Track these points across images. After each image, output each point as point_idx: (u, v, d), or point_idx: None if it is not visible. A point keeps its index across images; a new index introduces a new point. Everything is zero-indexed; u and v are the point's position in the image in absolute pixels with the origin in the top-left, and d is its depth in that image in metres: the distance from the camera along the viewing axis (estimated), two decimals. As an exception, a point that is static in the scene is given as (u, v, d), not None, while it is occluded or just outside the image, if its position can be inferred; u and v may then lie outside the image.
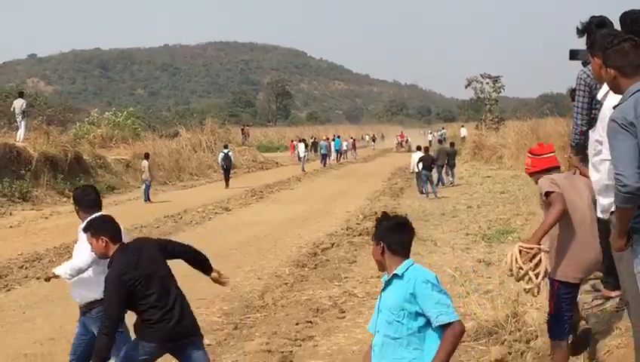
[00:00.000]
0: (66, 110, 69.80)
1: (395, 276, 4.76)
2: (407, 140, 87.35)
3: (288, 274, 14.21)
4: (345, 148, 69.51)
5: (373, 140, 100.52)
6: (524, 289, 6.22)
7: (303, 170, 49.35)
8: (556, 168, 6.39)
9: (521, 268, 5.93)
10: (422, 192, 30.24)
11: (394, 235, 4.87)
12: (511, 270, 6.12)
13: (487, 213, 22.69)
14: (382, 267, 4.94)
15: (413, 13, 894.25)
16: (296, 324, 10.51)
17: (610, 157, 4.96)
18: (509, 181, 33.60)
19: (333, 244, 17.61)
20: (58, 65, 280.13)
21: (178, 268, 15.48)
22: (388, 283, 4.86)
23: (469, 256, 15.80)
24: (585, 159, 7.07)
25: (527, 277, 5.97)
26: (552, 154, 6.31)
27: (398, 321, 4.67)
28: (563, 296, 6.03)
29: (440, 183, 33.76)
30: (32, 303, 12.49)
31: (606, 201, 5.57)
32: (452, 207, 25.32)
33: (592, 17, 6.93)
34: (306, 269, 14.82)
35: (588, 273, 6.25)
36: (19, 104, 33.21)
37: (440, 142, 55.99)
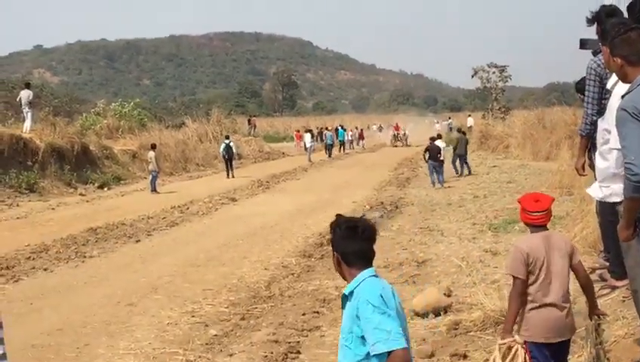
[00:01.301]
0: (73, 101, 69.76)
1: (345, 296, 4.33)
2: (404, 133, 75.57)
3: (295, 264, 14.24)
4: (350, 138, 69.42)
5: (380, 130, 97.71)
6: None
7: (310, 160, 49.32)
8: (541, 226, 6.19)
9: None
10: (440, 183, 30.08)
11: (346, 243, 4.32)
12: None
13: (493, 203, 22.67)
14: (345, 279, 4.42)
15: (419, 2, 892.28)
16: (303, 314, 10.55)
17: (618, 146, 4.95)
18: (516, 170, 33.56)
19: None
20: (64, 56, 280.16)
21: (185, 257, 15.56)
22: (344, 301, 4.37)
23: (476, 245, 15.79)
24: (593, 148, 7.08)
25: None
26: (543, 213, 6.11)
27: (347, 346, 4.21)
28: (538, 357, 5.93)
29: (460, 173, 33.71)
30: (40, 294, 12.53)
31: (612, 189, 5.57)
32: (459, 197, 25.28)
33: (602, 6, 6.92)
34: (313, 259, 14.85)
35: (559, 333, 6.08)
36: (25, 95, 33.23)
37: (451, 130, 55.83)
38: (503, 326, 6.13)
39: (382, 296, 4.07)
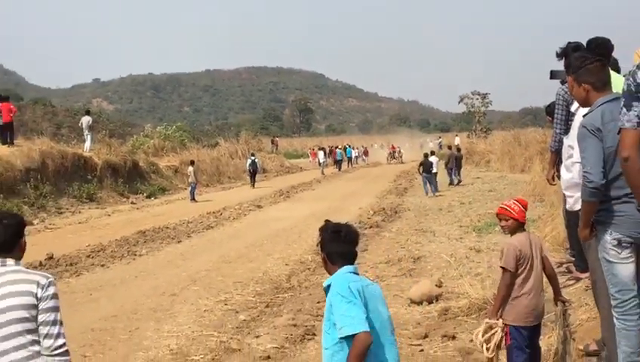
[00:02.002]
0: (125, 125, 70.51)
1: (325, 289, 4.26)
2: (399, 151, 74.46)
3: (311, 260, 14.20)
4: (356, 155, 69.45)
5: (382, 147, 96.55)
6: (486, 358, 6.13)
7: (323, 173, 49.40)
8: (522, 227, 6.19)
9: (482, 343, 5.88)
10: (434, 192, 30.13)
11: (331, 245, 4.31)
12: (480, 347, 6.03)
13: (477, 209, 22.60)
14: (330, 275, 4.31)
15: (415, 42, 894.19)
16: (318, 302, 10.50)
17: (580, 160, 4.96)
18: (496, 181, 33.57)
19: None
20: (118, 88, 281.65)
21: (219, 255, 15.53)
22: (326, 293, 4.26)
23: (462, 244, 15.77)
24: (560, 162, 7.09)
25: (486, 353, 5.92)
26: (519, 214, 6.13)
27: (327, 332, 4.10)
28: (517, 338, 5.90)
29: (452, 183, 33.82)
30: (98, 286, 12.57)
31: (575, 196, 5.57)
32: (448, 204, 25.26)
33: (569, 43, 6.93)
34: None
35: (535, 318, 6.06)
36: (86, 120, 33.41)
37: (440, 147, 55.79)
38: (491, 308, 6.09)
39: (349, 288, 3.99)
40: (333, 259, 4.26)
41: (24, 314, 3.74)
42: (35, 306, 3.77)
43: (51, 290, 3.83)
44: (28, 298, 3.76)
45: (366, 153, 74.46)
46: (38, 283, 3.80)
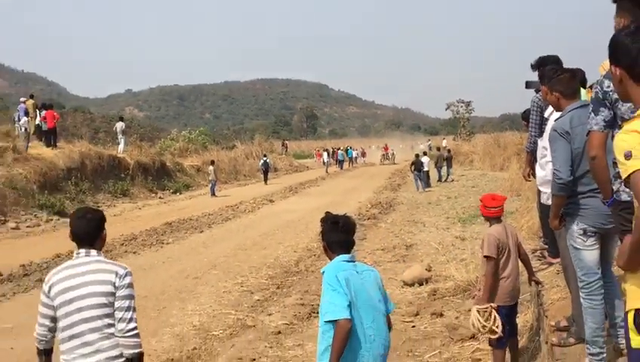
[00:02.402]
0: (153, 130, 70.60)
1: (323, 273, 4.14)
2: (392, 153, 69.76)
3: (316, 248, 14.19)
4: (355, 155, 69.36)
5: (378, 148, 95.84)
6: (489, 339, 6.11)
7: (327, 172, 49.39)
8: (496, 218, 6.19)
9: (484, 326, 5.87)
10: (424, 187, 30.24)
11: (330, 234, 4.19)
12: (479, 330, 6.03)
13: (462, 202, 22.61)
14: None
15: (408, 56, 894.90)
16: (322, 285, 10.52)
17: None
18: (478, 178, 33.56)
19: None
20: (147, 97, 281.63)
21: (236, 243, 15.51)
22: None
23: (449, 233, 15.78)
24: (535, 161, 7.11)
25: (491, 334, 5.92)
26: (498, 208, 6.14)
27: (321, 314, 4.02)
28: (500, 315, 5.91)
29: (441, 179, 33.93)
30: (131, 270, 12.59)
31: (548, 192, 5.59)
32: (436, 198, 25.26)
33: (541, 56, 6.96)
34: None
35: (514, 297, 6.07)
36: (119, 126, 33.47)
37: (430, 149, 55.77)
38: (478, 295, 6.06)
39: (337, 277, 3.91)
40: (333, 247, 4.17)
41: (103, 300, 3.78)
42: (113, 294, 3.80)
43: (127, 280, 3.88)
44: (107, 286, 3.79)
45: (364, 154, 74.13)
46: (116, 273, 3.84)
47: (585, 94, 5.45)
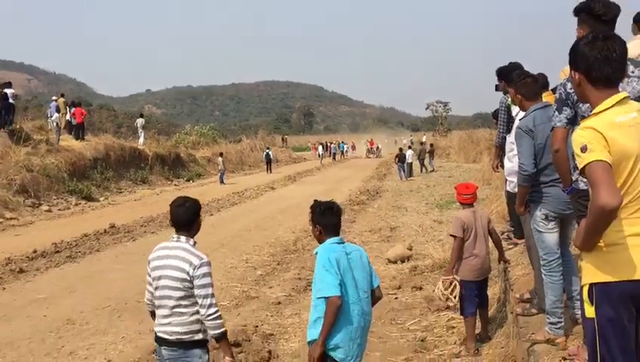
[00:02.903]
0: (169, 125, 70.51)
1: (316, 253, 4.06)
2: (377, 147, 65.69)
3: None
4: (346, 149, 69.20)
5: (366, 144, 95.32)
6: (448, 306, 6.17)
7: (321, 163, 49.38)
8: (469, 204, 6.21)
9: (444, 294, 5.92)
10: (407, 177, 30.26)
11: (325, 218, 4.10)
12: (439, 298, 6.13)
13: (439, 190, 22.67)
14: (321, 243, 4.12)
15: (393, 62, 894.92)
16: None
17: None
18: (454, 169, 33.67)
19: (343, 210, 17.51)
20: (164, 96, 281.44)
21: (241, 225, 15.48)
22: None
23: (428, 217, 15.83)
24: (503, 154, 7.13)
25: (449, 302, 5.97)
26: (471, 195, 6.16)
27: (314, 290, 4.00)
28: (468, 290, 5.94)
29: (424, 170, 33.97)
30: (149, 248, 12.50)
31: (515, 181, 5.62)
32: (417, 186, 25.32)
33: (510, 63, 6.99)
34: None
35: (482, 274, 6.11)
36: (140, 122, 33.52)
37: (412, 143, 55.75)
38: (446, 267, 6.14)
39: (329, 258, 3.87)
40: (326, 229, 4.09)
41: (177, 284, 3.81)
42: (186, 280, 3.79)
43: (202, 270, 3.82)
44: (181, 273, 3.80)
45: (354, 148, 74.07)
46: (190, 263, 3.82)
47: (545, 96, 5.48)
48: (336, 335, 3.87)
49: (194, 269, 3.79)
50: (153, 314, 4.05)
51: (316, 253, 4.02)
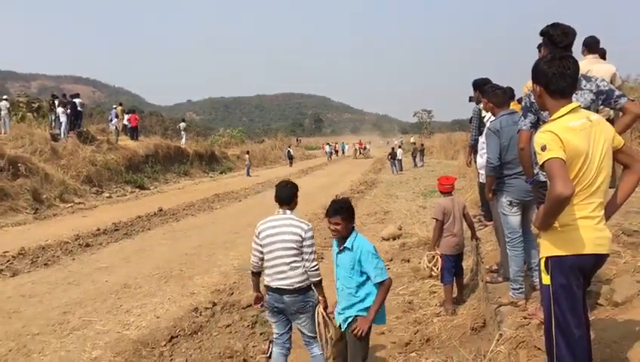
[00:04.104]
0: (206, 129, 70.45)
1: (346, 248, 3.75)
2: (365, 147, 55.54)
3: (321, 213, 14.19)
4: (347, 149, 69.06)
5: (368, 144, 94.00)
6: (431, 275, 6.17)
7: (329, 159, 49.29)
8: (448, 193, 6.18)
9: (428, 266, 5.92)
10: (398, 171, 30.27)
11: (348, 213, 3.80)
12: (424, 268, 6.14)
13: (424, 182, 22.58)
14: (343, 237, 3.79)
15: (387, 77, 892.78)
16: (325, 239, 10.54)
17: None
18: (436, 166, 33.46)
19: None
20: (202, 106, 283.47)
21: (265, 209, 15.50)
22: (342, 250, 3.80)
23: (414, 203, 15.76)
24: (475, 152, 7.10)
25: (432, 272, 5.96)
26: (450, 185, 6.13)
27: (350, 277, 3.72)
28: (447, 262, 5.93)
29: (415, 166, 33.91)
30: (189, 228, 12.63)
31: (484, 175, 5.62)
32: (406, 179, 25.22)
33: (480, 78, 6.96)
34: (330, 210, 14.78)
35: (458, 250, 6.09)
36: (182, 125, 33.83)
37: (402, 143, 55.61)
38: (429, 244, 6.13)
39: (374, 248, 3.77)
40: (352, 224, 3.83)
41: (292, 245, 3.99)
42: (299, 241, 3.99)
43: (309, 234, 4.02)
44: (296, 236, 3.99)
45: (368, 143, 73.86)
46: (302, 228, 4.02)
47: (512, 105, 5.46)
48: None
49: (304, 232, 4.00)
50: (257, 274, 4.21)
51: (351, 247, 3.73)
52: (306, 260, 3.99)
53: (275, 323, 4.20)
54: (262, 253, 4.09)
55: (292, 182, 4.31)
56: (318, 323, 4.01)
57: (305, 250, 3.99)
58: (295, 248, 3.99)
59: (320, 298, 4.06)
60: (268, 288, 4.10)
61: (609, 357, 3.16)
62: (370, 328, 3.75)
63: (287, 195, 4.17)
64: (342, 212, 3.76)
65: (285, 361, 4.27)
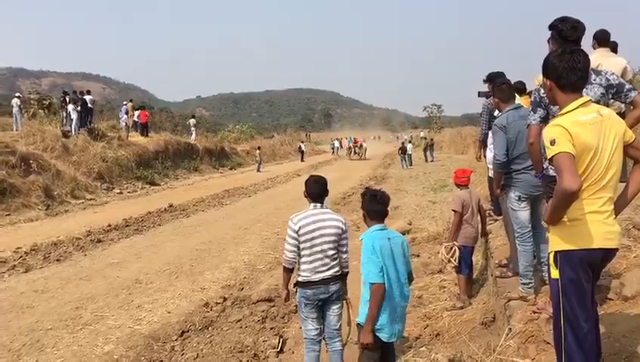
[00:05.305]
0: (216, 125, 70.69)
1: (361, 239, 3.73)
2: (360, 145, 44.00)
3: (332, 208, 14.22)
4: (337, 146, 68.37)
5: (375, 139, 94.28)
6: (450, 267, 6.15)
7: (337, 155, 49.22)
8: (465, 186, 6.15)
9: (446, 257, 5.91)
10: (408, 166, 30.23)
11: (370, 205, 3.78)
12: (442, 261, 6.10)
13: (434, 176, 22.51)
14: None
15: (397, 70, 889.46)
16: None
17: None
18: (446, 160, 33.28)
19: (353, 193, 17.51)
20: (212, 101, 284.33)
21: (274, 205, 15.45)
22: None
23: (424, 198, 15.71)
24: (485, 147, 7.09)
25: (450, 264, 5.94)
26: (466, 178, 6.13)
27: (362, 271, 3.64)
28: (465, 253, 5.91)
29: (427, 161, 33.93)
30: (200, 223, 12.68)
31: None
32: (416, 173, 25.16)
33: (491, 73, 6.92)
34: (340, 205, 14.80)
35: (475, 241, 6.08)
36: (192, 121, 33.72)
37: (412, 138, 55.30)
38: (448, 235, 6.10)
39: (373, 246, 3.58)
40: (371, 215, 3.77)
41: (333, 238, 4.10)
42: (339, 234, 4.12)
43: (346, 227, 4.19)
44: (337, 229, 4.12)
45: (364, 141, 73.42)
46: (342, 221, 4.18)
47: (519, 99, 5.44)
48: (381, 316, 3.61)
49: (344, 225, 4.17)
50: (290, 271, 4.24)
51: (361, 240, 3.72)
52: (343, 252, 4.17)
53: (314, 319, 4.22)
54: (298, 247, 4.10)
55: (322, 178, 4.39)
56: (347, 309, 4.22)
57: (342, 242, 4.15)
58: (336, 241, 4.11)
59: (345, 288, 4.27)
60: (307, 283, 4.10)
61: (618, 351, 3.16)
62: (375, 337, 3.62)
63: (322, 191, 4.26)
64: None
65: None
